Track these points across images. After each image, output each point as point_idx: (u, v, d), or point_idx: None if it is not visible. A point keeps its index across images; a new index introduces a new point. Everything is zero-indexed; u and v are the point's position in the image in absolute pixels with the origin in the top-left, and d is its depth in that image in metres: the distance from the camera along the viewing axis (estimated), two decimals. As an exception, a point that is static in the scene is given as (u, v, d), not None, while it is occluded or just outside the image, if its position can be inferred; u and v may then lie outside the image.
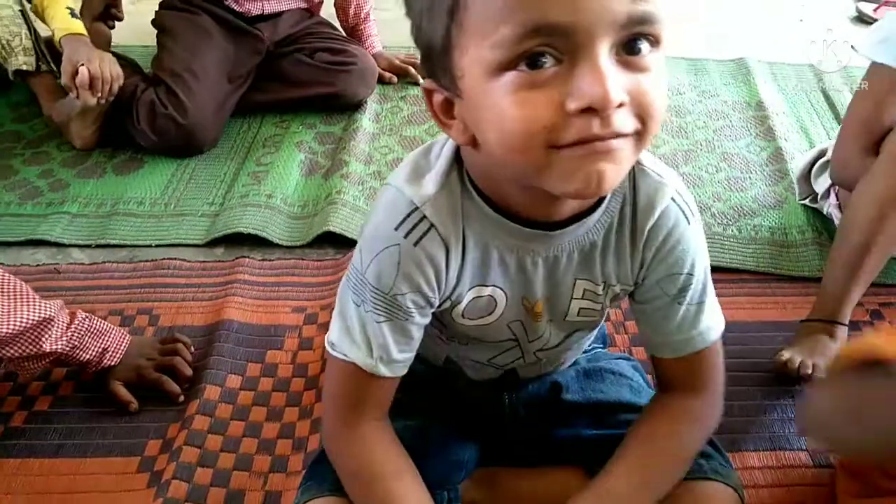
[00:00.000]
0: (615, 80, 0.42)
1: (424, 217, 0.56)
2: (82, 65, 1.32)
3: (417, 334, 0.63)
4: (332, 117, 1.60)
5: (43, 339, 0.89)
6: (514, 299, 0.63)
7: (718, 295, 1.20)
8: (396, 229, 0.57)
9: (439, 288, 0.60)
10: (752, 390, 0.99)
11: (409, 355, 0.64)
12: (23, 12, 1.39)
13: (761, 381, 1.00)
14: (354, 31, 1.69)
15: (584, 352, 0.84)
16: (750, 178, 1.41)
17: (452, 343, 0.71)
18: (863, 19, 2.03)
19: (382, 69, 1.67)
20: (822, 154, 1.23)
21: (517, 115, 0.44)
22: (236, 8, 1.52)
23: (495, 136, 0.47)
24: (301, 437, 0.94)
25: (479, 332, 0.66)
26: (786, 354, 0.96)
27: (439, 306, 0.62)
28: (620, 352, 0.99)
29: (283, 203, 1.36)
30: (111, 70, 1.36)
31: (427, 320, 0.63)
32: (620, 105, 0.43)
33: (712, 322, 0.66)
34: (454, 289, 0.61)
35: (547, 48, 0.43)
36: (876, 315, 1.11)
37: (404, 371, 0.64)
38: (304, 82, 1.58)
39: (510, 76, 0.44)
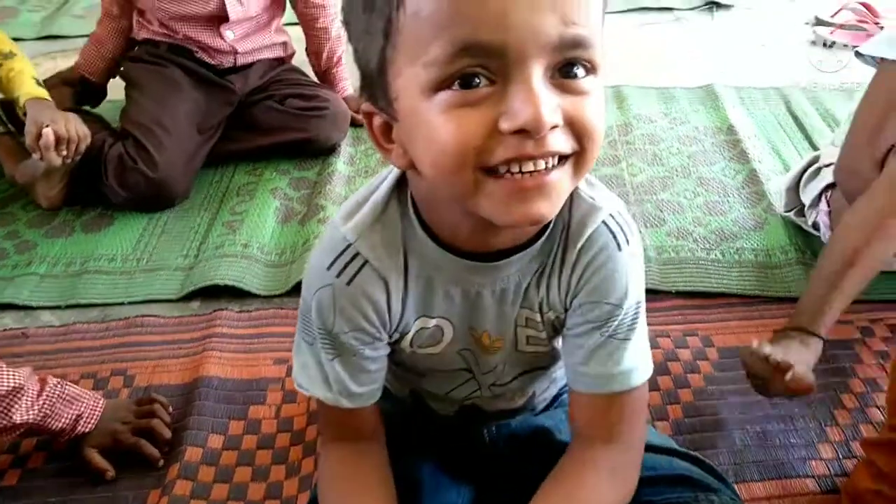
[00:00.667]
0: (548, 102, 0.42)
1: (358, 254, 0.57)
2: (47, 126, 1.29)
3: (374, 366, 0.62)
4: (305, 162, 1.58)
5: (13, 411, 0.85)
6: (462, 329, 0.62)
7: (706, 320, 1.19)
8: (329, 269, 0.57)
9: (382, 323, 0.60)
10: (752, 417, 0.97)
11: (372, 387, 0.64)
12: None
13: (760, 406, 0.98)
14: (326, 75, 1.69)
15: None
16: (728, 201, 1.42)
17: (409, 375, 0.70)
18: (820, 42, 2.09)
19: (354, 112, 1.67)
20: (812, 162, 1.23)
21: (449, 133, 0.43)
22: (208, 60, 1.51)
23: (428, 156, 0.46)
24: (289, 497, 0.90)
25: (431, 361, 0.65)
26: (755, 343, 0.89)
27: (390, 337, 0.62)
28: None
29: (260, 252, 1.33)
30: (77, 130, 1.33)
31: (380, 353, 0.62)
32: (554, 127, 0.43)
33: (637, 364, 0.61)
34: (400, 320, 0.60)
35: (479, 69, 0.42)
36: (866, 332, 1.11)
37: (371, 401, 0.65)
38: (275, 129, 1.57)
39: (443, 95, 0.43)
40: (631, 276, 0.59)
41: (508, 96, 0.42)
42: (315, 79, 1.68)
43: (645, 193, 1.45)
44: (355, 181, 1.53)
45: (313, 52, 1.67)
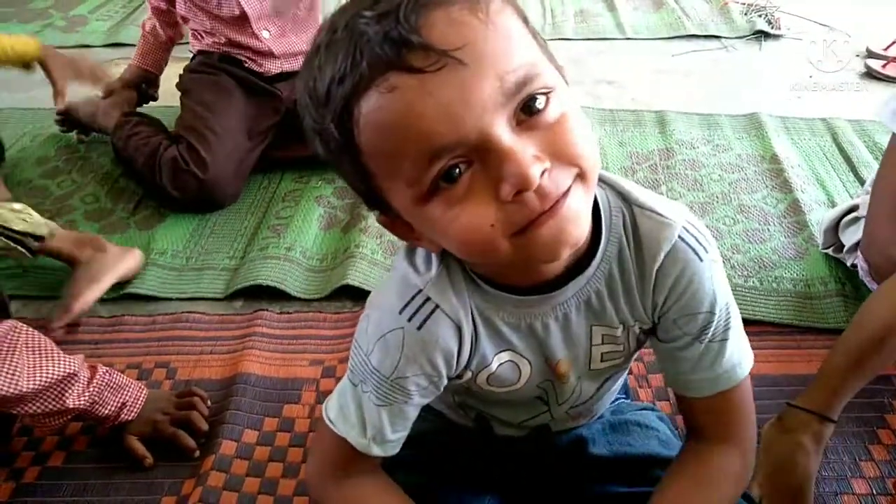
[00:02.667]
0: (526, 153, 0.43)
1: (429, 298, 0.57)
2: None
3: (413, 414, 0.63)
4: (350, 173, 1.62)
5: (66, 395, 0.89)
6: (538, 363, 0.62)
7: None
8: (401, 313, 0.57)
9: (448, 368, 0.59)
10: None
11: (403, 434, 0.64)
12: None
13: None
14: None
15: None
16: (768, 230, 1.41)
17: (479, 405, 0.70)
18: (872, 75, 2.06)
19: None
20: (853, 209, 1.20)
21: (464, 231, 0.45)
22: (255, 68, 1.57)
23: (454, 246, 0.48)
24: (318, 495, 0.92)
25: (507, 396, 0.65)
26: (755, 490, 0.87)
27: (458, 378, 0.62)
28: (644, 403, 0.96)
29: (303, 256, 1.36)
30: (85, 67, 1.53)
31: (427, 400, 0.62)
32: (545, 171, 0.43)
33: (738, 358, 0.63)
34: (471, 360, 0.60)
35: (454, 160, 0.43)
36: None
37: (397, 450, 0.64)
38: (322, 139, 1.61)
39: (436, 200, 0.45)
40: (717, 281, 0.59)
41: (490, 169, 0.43)
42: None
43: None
44: (397, 193, 1.56)
45: None
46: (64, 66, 1.52)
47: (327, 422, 0.64)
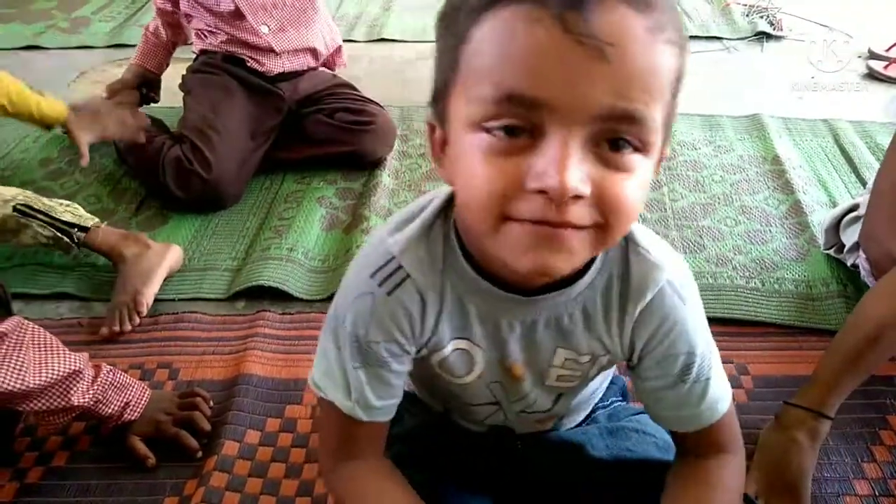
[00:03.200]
0: (576, 171, 0.41)
1: (401, 267, 0.57)
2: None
3: (396, 381, 0.62)
4: (352, 173, 1.62)
5: (71, 393, 0.89)
6: (492, 359, 0.62)
7: (743, 349, 1.18)
8: (372, 277, 0.57)
9: (414, 336, 0.59)
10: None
11: (390, 402, 0.63)
12: (18, 210, 1.22)
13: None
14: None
15: (603, 406, 0.83)
16: (770, 230, 1.41)
17: (440, 394, 0.71)
18: (874, 76, 2.06)
19: None
20: (853, 208, 1.21)
21: (481, 177, 0.44)
22: (258, 68, 1.57)
23: (461, 190, 0.48)
24: (320, 495, 0.92)
25: (459, 389, 0.66)
26: (751, 487, 0.88)
27: (417, 352, 0.62)
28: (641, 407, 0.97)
29: (304, 257, 1.37)
30: (119, 122, 1.49)
31: (405, 368, 0.62)
32: (579, 197, 0.42)
33: (720, 394, 0.64)
34: (431, 337, 0.60)
35: (522, 122, 0.42)
36: None
37: (386, 417, 0.64)
38: (324, 141, 1.61)
39: (485, 137, 0.44)
40: (698, 323, 0.60)
41: (540, 155, 0.42)
42: (365, 92, 1.72)
43: (685, 219, 1.45)
44: (399, 194, 1.56)
45: None
46: (87, 128, 1.44)
47: (314, 388, 0.64)
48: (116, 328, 1.18)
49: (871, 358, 0.88)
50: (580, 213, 0.43)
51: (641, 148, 0.43)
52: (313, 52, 1.63)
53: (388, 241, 0.57)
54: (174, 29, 1.66)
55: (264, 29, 1.55)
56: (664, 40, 0.42)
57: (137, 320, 1.20)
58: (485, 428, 0.74)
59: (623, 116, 0.42)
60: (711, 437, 0.65)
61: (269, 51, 1.57)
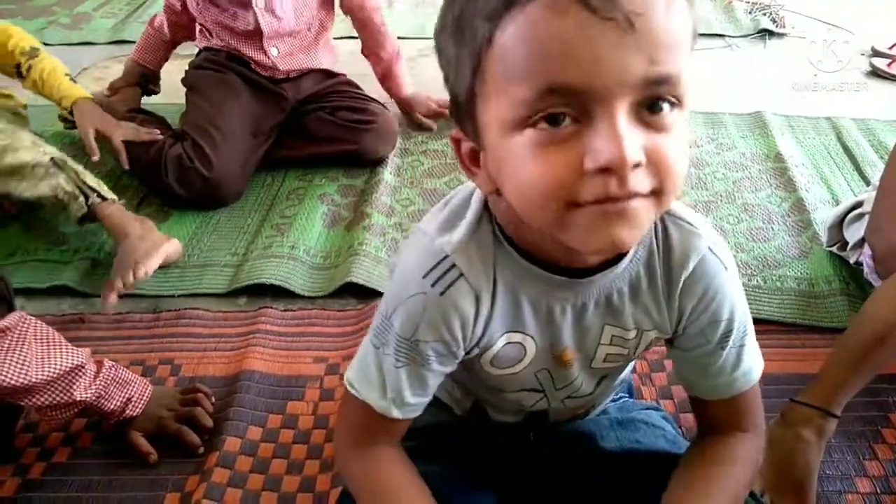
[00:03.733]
0: (632, 141, 0.42)
1: (454, 265, 0.57)
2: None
3: (433, 381, 0.63)
4: (354, 170, 1.62)
5: (74, 387, 0.89)
6: (543, 347, 0.63)
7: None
8: (424, 277, 0.57)
9: (464, 339, 0.60)
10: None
11: (423, 400, 0.64)
12: (54, 161, 1.30)
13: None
14: (389, 75, 1.72)
15: (612, 400, 0.83)
16: (772, 228, 1.41)
17: (479, 389, 0.71)
18: (877, 74, 2.06)
19: (421, 114, 1.73)
20: (857, 206, 1.21)
21: (535, 173, 0.44)
22: (260, 71, 1.58)
23: (515, 191, 0.48)
24: (322, 491, 0.92)
25: (501, 382, 0.66)
26: (758, 483, 0.88)
27: (467, 353, 0.62)
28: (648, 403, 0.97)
29: (306, 254, 1.36)
30: (123, 132, 1.50)
31: (447, 369, 0.63)
32: (637, 165, 0.43)
33: (753, 362, 0.66)
34: (482, 336, 0.60)
35: (565, 108, 0.43)
36: None
37: (417, 414, 0.65)
38: (326, 139, 1.61)
39: (529, 133, 0.44)
40: (737, 289, 0.62)
41: (593, 135, 0.43)
42: (368, 91, 1.71)
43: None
44: (401, 191, 1.56)
45: (372, 51, 1.69)
46: (89, 123, 1.47)
47: (348, 386, 0.65)
48: (118, 286, 1.22)
49: (878, 357, 0.88)
50: (641, 182, 0.44)
51: (677, 103, 0.45)
52: (317, 72, 1.64)
53: (439, 241, 0.57)
54: (179, 30, 1.66)
55: (274, 51, 1.55)
56: (679, 4, 0.44)
57: (132, 280, 1.23)
58: (520, 417, 0.74)
59: (658, 80, 0.43)
60: (740, 408, 0.66)
61: (274, 69, 1.57)
